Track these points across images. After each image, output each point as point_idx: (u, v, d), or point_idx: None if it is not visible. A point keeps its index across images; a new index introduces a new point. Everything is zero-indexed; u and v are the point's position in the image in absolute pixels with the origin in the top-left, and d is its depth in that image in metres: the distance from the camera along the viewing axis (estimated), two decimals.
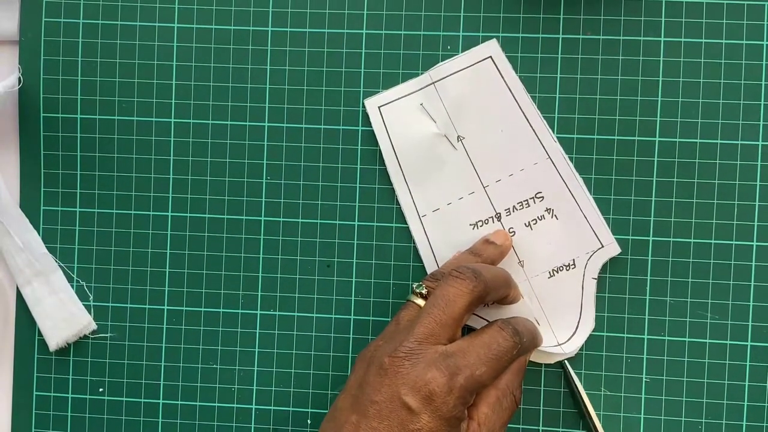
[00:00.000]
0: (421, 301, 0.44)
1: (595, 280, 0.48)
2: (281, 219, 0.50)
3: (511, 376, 0.43)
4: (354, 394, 0.42)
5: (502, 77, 0.49)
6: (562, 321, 0.49)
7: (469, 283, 0.43)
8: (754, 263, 0.48)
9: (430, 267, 0.49)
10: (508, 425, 0.49)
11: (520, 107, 0.49)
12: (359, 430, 0.41)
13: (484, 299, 0.43)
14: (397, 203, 0.50)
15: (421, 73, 0.49)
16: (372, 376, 0.42)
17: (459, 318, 0.42)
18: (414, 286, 0.45)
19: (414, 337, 0.42)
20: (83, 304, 0.51)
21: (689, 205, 0.48)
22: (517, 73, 0.49)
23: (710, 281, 0.48)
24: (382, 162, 0.50)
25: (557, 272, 0.49)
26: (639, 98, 0.48)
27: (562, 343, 0.48)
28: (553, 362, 0.49)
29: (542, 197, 0.49)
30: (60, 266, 0.51)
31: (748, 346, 0.48)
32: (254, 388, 0.51)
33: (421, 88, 0.49)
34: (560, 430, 0.49)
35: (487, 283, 0.43)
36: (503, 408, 0.43)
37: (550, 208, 0.49)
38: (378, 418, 0.41)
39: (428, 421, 0.40)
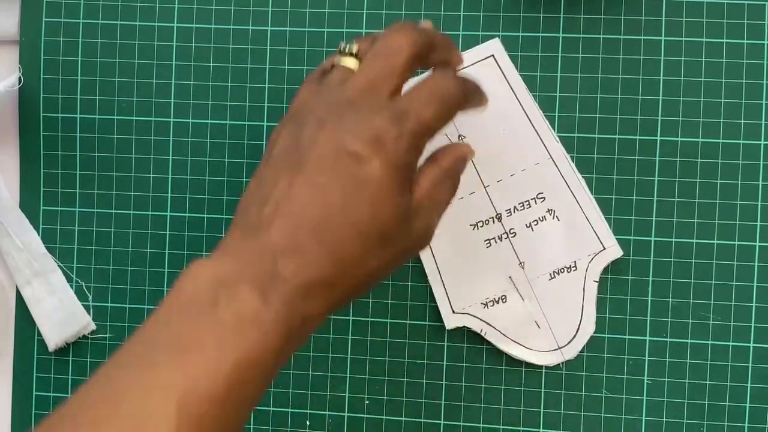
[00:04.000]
0: (351, 61, 0.40)
1: (596, 283, 0.48)
2: None
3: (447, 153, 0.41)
4: (282, 158, 0.38)
5: (504, 76, 0.48)
6: (562, 323, 0.48)
7: (412, 32, 0.39)
8: (756, 264, 0.47)
9: (429, 267, 0.49)
10: (507, 423, 0.49)
11: (522, 107, 0.48)
12: (293, 188, 0.36)
13: (427, 56, 0.40)
14: None
15: (421, 72, 0.49)
16: (308, 132, 0.37)
17: (402, 71, 0.38)
18: (341, 45, 0.40)
19: (355, 86, 0.38)
20: (82, 305, 0.51)
21: (691, 205, 0.48)
22: (517, 71, 0.49)
23: (712, 282, 0.48)
24: None
25: (558, 274, 0.48)
26: (640, 97, 0.48)
27: (562, 346, 0.48)
28: (552, 365, 0.48)
29: (543, 198, 0.48)
30: (59, 266, 0.51)
31: (751, 348, 0.47)
32: None
33: None
34: (560, 430, 0.49)
35: (429, 36, 0.40)
36: (445, 188, 0.40)
37: (551, 209, 0.48)
38: (320, 172, 0.36)
39: (379, 166, 0.36)
